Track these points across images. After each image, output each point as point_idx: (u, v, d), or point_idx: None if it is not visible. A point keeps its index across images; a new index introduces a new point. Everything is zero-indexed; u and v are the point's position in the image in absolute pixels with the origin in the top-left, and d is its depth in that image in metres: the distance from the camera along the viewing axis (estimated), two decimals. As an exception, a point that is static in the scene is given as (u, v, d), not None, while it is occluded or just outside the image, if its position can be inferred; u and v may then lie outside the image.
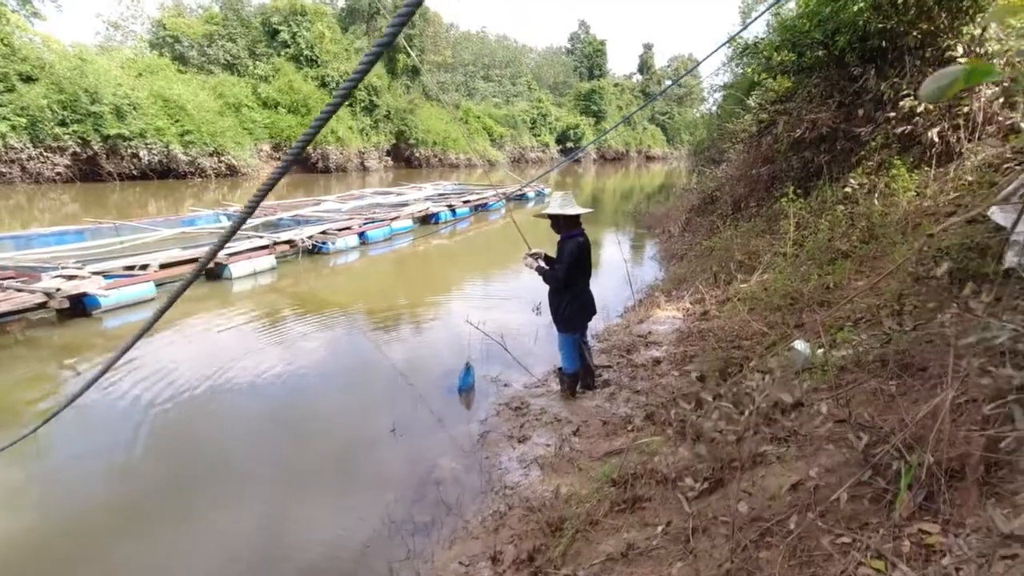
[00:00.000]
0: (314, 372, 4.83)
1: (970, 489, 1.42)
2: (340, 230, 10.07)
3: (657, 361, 4.35)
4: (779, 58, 6.64)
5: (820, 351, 2.75)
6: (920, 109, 4.85)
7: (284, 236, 9.04)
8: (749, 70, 8.15)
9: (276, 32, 28.19)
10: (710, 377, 3.08)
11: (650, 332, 5.05)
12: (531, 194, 18.12)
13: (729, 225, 7.29)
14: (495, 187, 15.51)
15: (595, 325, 4.92)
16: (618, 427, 3.38)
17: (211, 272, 7.69)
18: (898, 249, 3.83)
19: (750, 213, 7.38)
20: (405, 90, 33.90)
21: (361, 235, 10.34)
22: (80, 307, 6.06)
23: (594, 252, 4.04)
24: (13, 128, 16.80)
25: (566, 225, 3.74)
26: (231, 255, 7.84)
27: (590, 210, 4.05)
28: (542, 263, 3.84)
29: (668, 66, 64.65)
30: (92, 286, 6.07)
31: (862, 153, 5.52)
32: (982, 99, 4.65)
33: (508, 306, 6.49)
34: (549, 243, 4.00)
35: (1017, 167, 3.90)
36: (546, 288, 3.89)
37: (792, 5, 8.30)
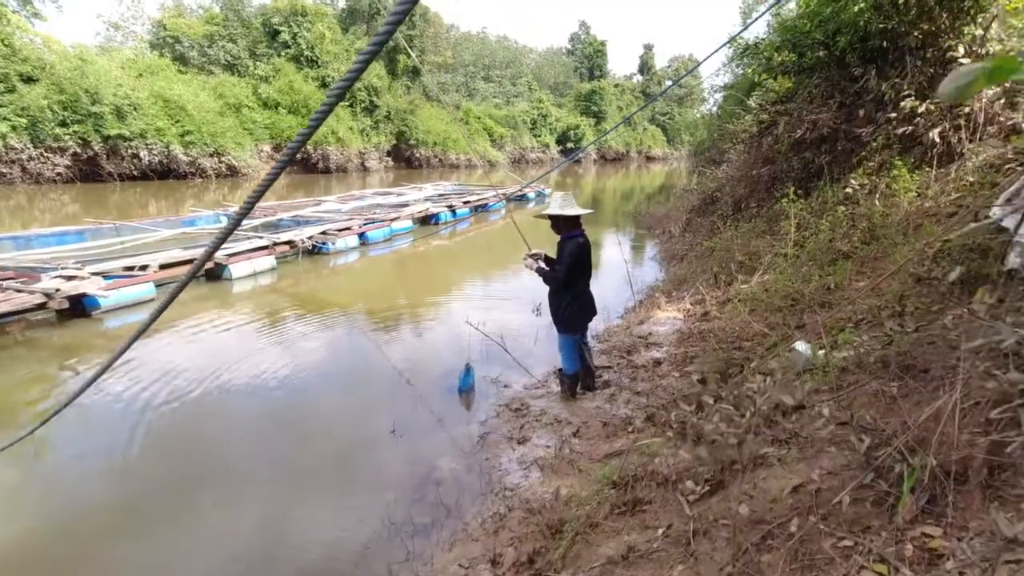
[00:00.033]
0: (314, 372, 4.82)
1: (973, 492, 1.41)
2: (340, 230, 10.07)
3: (658, 362, 4.34)
4: (780, 58, 6.63)
5: (821, 352, 2.74)
6: (921, 110, 4.84)
7: (284, 236, 9.04)
8: (749, 71, 8.14)
9: (277, 33, 28.22)
10: (711, 379, 3.07)
11: (650, 333, 5.04)
12: (531, 195, 18.12)
13: (729, 226, 7.28)
14: (495, 188, 15.50)
15: (595, 326, 4.91)
16: (618, 428, 3.37)
17: (211, 273, 7.69)
18: (899, 250, 3.82)
19: (751, 214, 7.37)
20: (406, 91, 33.92)
21: (361, 235, 10.33)
22: (80, 308, 6.06)
23: (594, 253, 4.03)
24: (14, 128, 16.82)
25: (566, 226, 3.73)
26: (231, 255, 7.83)
27: (590, 211, 4.04)
28: (542, 264, 3.83)
29: (668, 67, 64.68)
30: (92, 287, 6.07)
31: (863, 154, 5.50)
32: (983, 99, 4.64)
33: (508, 307, 6.48)
34: (549, 244, 3.99)
35: (1019, 168, 3.88)
36: (546, 289, 3.88)
37: (792, 5, 8.30)
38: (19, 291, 5.77)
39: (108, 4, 60.28)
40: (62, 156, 18.18)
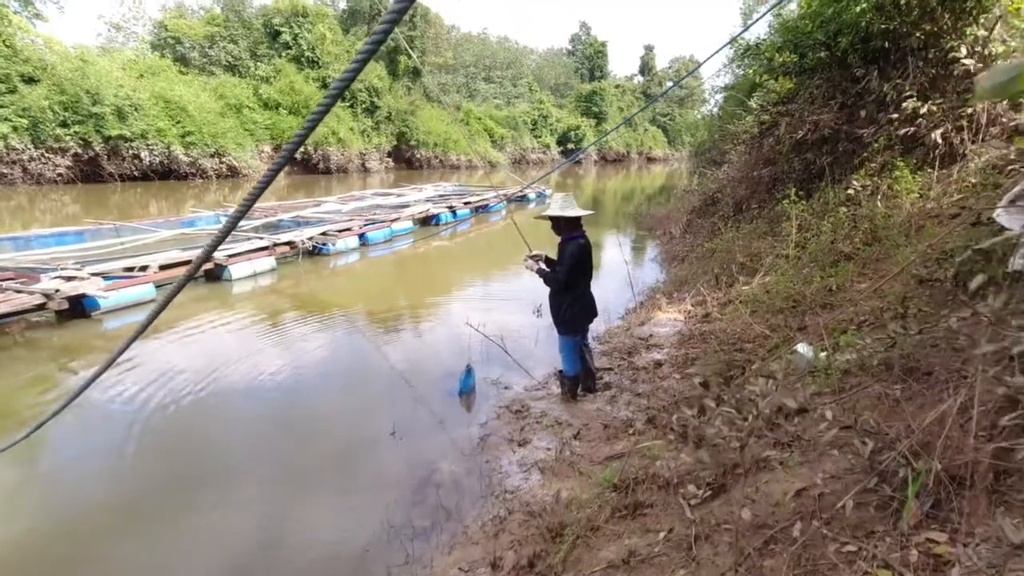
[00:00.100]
0: (314, 373, 4.81)
1: (979, 498, 1.39)
2: (340, 231, 10.06)
3: (658, 364, 4.32)
4: (781, 59, 6.62)
5: (823, 354, 2.72)
6: (923, 111, 4.83)
7: (284, 237, 9.04)
8: (751, 71, 8.13)
9: (277, 33, 28.25)
10: (713, 382, 3.05)
11: (651, 334, 5.03)
12: (532, 195, 18.11)
13: (730, 227, 7.26)
14: (496, 188, 15.50)
15: (596, 327, 4.89)
16: (619, 431, 3.35)
17: (211, 273, 7.68)
18: (901, 251, 3.80)
19: (752, 215, 7.35)
20: (406, 91, 33.95)
21: (361, 236, 10.33)
22: (79, 308, 6.05)
23: (595, 254, 4.02)
24: (15, 129, 16.84)
25: (567, 227, 3.72)
26: (231, 256, 7.83)
27: (591, 212, 4.03)
28: (543, 265, 3.82)
29: (669, 67, 64.68)
30: (91, 287, 6.06)
31: (864, 155, 5.49)
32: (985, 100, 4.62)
33: (508, 308, 6.46)
34: (550, 245, 3.98)
35: (1022, 169, 3.87)
36: (547, 290, 3.87)
37: (794, 6, 8.29)
38: (19, 292, 5.76)
39: (109, 5, 60.43)
40: (63, 157, 18.20)
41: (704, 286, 5.78)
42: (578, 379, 3.97)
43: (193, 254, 7.62)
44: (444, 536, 2.71)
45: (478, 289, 8.07)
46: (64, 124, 17.86)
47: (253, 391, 4.44)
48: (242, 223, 7.91)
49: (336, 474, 3.43)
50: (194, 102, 21.85)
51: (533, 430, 3.62)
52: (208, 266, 7.47)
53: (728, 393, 2.52)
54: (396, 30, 0.79)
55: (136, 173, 19.97)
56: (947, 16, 4.91)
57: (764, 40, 7.64)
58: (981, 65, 4.63)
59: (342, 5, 34.76)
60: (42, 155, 17.77)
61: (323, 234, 9.69)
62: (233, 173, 22.78)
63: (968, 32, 4.81)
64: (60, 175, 18.32)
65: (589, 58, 57.93)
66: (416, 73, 33.74)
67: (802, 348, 2.94)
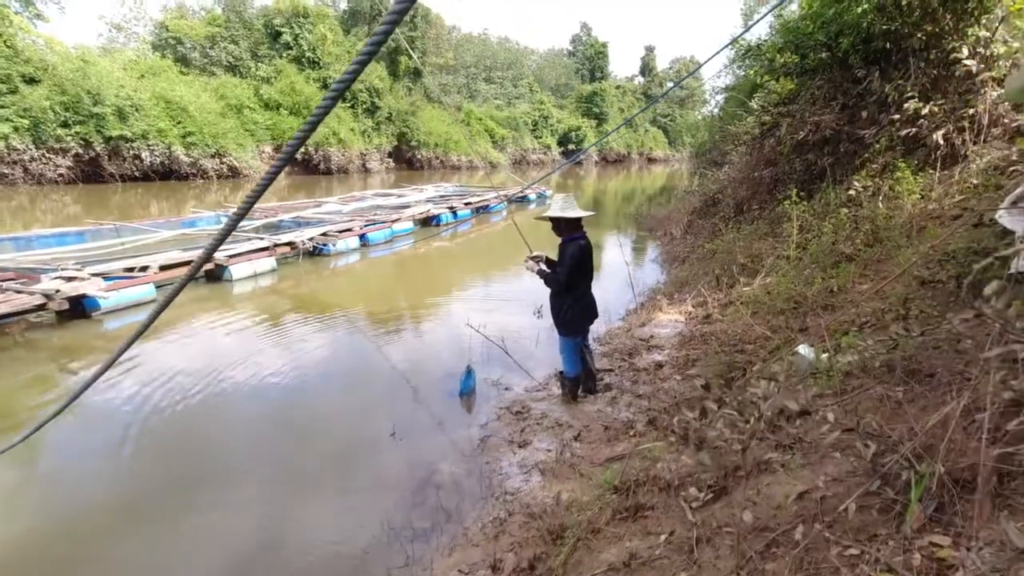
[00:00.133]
0: (314, 374, 4.81)
1: (983, 501, 1.38)
2: (341, 232, 10.06)
3: (659, 365, 4.31)
4: (782, 60, 6.61)
5: (825, 356, 2.72)
6: (925, 111, 4.82)
7: (285, 238, 9.03)
8: (751, 72, 8.12)
9: (278, 34, 28.28)
10: (714, 383, 3.04)
11: (652, 335, 5.02)
12: (532, 196, 18.10)
13: (731, 228, 7.25)
14: (496, 189, 15.48)
15: (597, 328, 4.88)
16: (620, 432, 3.35)
17: (211, 274, 7.68)
18: (903, 252, 3.80)
19: (752, 216, 7.34)
20: (407, 92, 33.97)
21: (362, 237, 10.33)
22: (80, 309, 6.05)
23: (596, 255, 4.01)
24: (16, 129, 16.85)
25: (567, 228, 3.71)
26: (231, 257, 7.83)
27: (591, 213, 4.02)
28: (543, 266, 3.81)
29: (670, 68, 64.69)
30: (91, 288, 6.06)
31: (866, 156, 5.48)
32: (987, 101, 4.62)
33: (509, 309, 6.45)
34: (550, 245, 3.97)
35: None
36: (547, 291, 3.86)
37: (795, 7, 8.29)
38: (19, 292, 5.76)
39: (110, 5, 60.50)
40: (64, 157, 18.22)
41: (705, 287, 5.77)
42: (579, 380, 3.96)
43: (194, 255, 7.62)
44: (444, 538, 2.71)
45: (479, 290, 8.06)
46: (65, 124, 17.88)
47: (253, 391, 4.44)
48: (243, 223, 7.91)
49: (336, 475, 3.42)
50: (195, 102, 21.87)
51: (533, 431, 3.61)
52: (209, 266, 7.47)
53: (729, 395, 2.51)
54: (397, 30, 0.79)
55: (137, 173, 19.99)
56: (948, 17, 4.91)
57: (765, 41, 7.63)
58: (983, 66, 4.62)
59: (343, 6, 34.80)
60: (43, 155, 17.79)
61: (324, 235, 9.69)
62: (234, 173, 22.80)
63: (970, 33, 4.80)
64: (61, 175, 18.34)
65: (590, 59, 57.95)
66: (417, 74, 33.76)
67: (803, 350, 2.93)
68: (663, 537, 1.95)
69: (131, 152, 19.50)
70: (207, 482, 3.34)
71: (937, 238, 3.49)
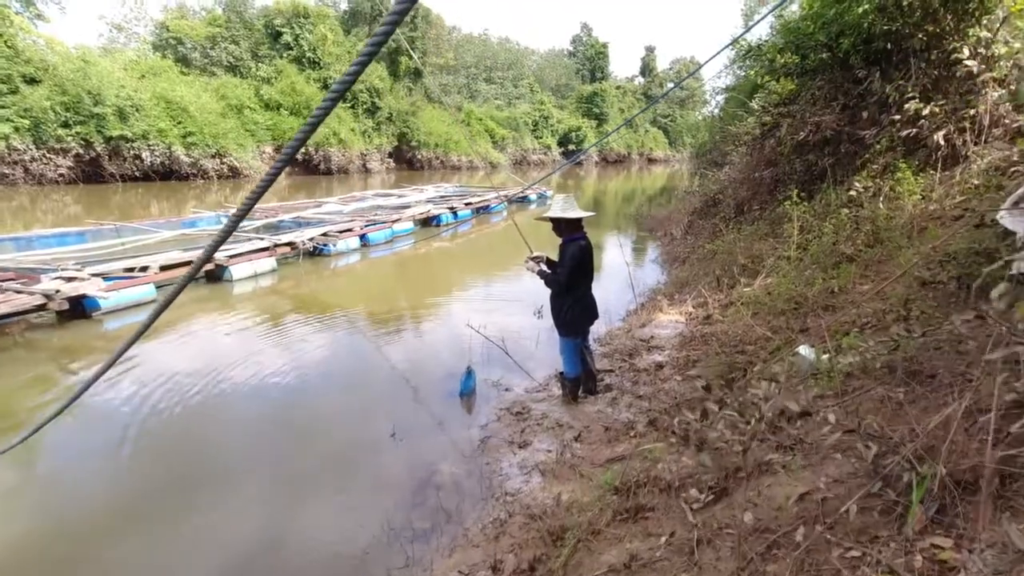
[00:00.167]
0: (314, 374, 4.80)
1: (985, 503, 1.38)
2: (341, 232, 10.06)
3: (660, 366, 4.31)
4: (782, 60, 6.61)
5: (825, 357, 2.71)
6: (925, 112, 4.82)
7: (285, 238, 9.03)
8: (752, 72, 8.11)
9: (279, 34, 28.29)
10: (715, 385, 3.04)
11: (652, 336, 5.01)
12: (533, 196, 18.10)
13: (732, 228, 7.25)
14: (497, 189, 15.48)
15: (597, 329, 4.88)
16: (620, 433, 3.34)
17: (212, 274, 7.68)
18: (904, 253, 3.79)
19: (753, 216, 7.34)
20: (407, 92, 33.98)
21: (362, 237, 10.33)
22: (80, 309, 6.05)
23: (596, 255, 4.01)
24: (16, 130, 16.86)
25: (568, 228, 3.71)
26: (231, 257, 7.83)
27: (592, 214, 4.02)
28: (544, 266, 3.80)
29: (670, 68, 64.68)
30: (92, 288, 6.06)
31: (867, 156, 5.47)
32: (989, 101, 4.61)
33: (509, 309, 6.45)
34: (551, 246, 3.97)
35: (1025, 170, 3.85)
36: (547, 291, 3.86)
37: (795, 7, 8.28)
38: (19, 292, 5.76)
39: (111, 6, 60.52)
40: (64, 157, 18.23)
41: (705, 288, 5.76)
42: (579, 381, 3.96)
43: (194, 255, 7.62)
44: (444, 539, 2.70)
45: (479, 290, 8.06)
46: (66, 124, 17.89)
47: (253, 391, 4.44)
48: (243, 224, 7.91)
49: (336, 475, 3.42)
50: (195, 103, 21.88)
51: (534, 432, 3.61)
52: (209, 267, 7.47)
53: (730, 396, 2.51)
54: (397, 31, 0.78)
55: (137, 174, 19.99)
56: (949, 17, 4.90)
57: (766, 41, 7.63)
58: (984, 67, 4.62)
59: (343, 6, 34.82)
60: (44, 155, 17.80)
61: (324, 235, 9.69)
62: (234, 174, 22.80)
63: (971, 33, 4.79)
64: (62, 175, 18.34)
65: (590, 59, 57.95)
66: (417, 74, 33.77)
67: (804, 350, 2.93)
68: (664, 538, 1.95)
69: (131, 152, 19.51)
70: (207, 482, 3.34)
71: (938, 239, 3.48)
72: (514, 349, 4.88)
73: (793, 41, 6.43)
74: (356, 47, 30.83)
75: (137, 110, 19.48)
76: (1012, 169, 4.05)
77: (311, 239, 9.28)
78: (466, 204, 14.81)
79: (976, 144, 4.66)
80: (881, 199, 4.88)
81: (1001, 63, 4.64)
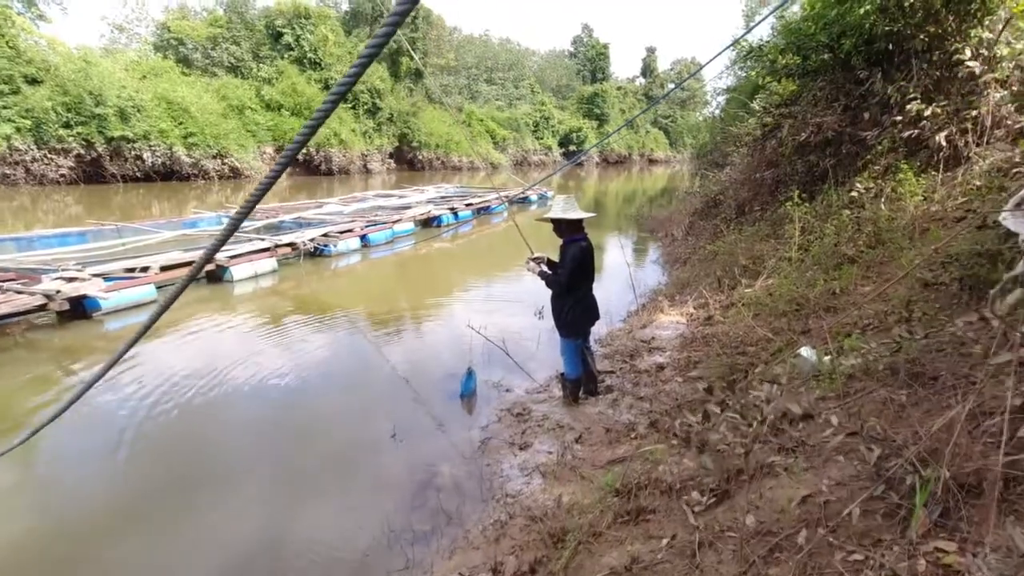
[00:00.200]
0: (315, 375, 4.80)
1: (988, 506, 1.37)
2: (342, 233, 10.06)
3: (661, 367, 4.30)
4: (784, 61, 6.60)
5: (827, 358, 2.70)
6: (927, 113, 4.81)
7: (286, 239, 9.03)
8: (753, 73, 8.11)
9: (280, 35, 28.31)
10: (716, 386, 3.03)
11: (653, 337, 5.00)
12: (534, 197, 18.10)
13: (733, 229, 7.24)
14: (497, 190, 15.47)
15: (598, 330, 4.87)
16: (621, 434, 3.33)
17: (212, 275, 7.68)
18: (906, 254, 3.78)
19: (754, 217, 7.33)
20: (408, 93, 33.99)
21: (363, 238, 10.32)
22: (80, 309, 6.05)
23: (597, 256, 4.00)
24: (18, 130, 16.88)
25: (568, 229, 3.70)
26: (232, 257, 7.83)
27: (593, 214, 4.01)
28: (544, 267, 3.80)
29: (671, 69, 64.67)
30: (92, 288, 6.06)
31: (868, 157, 5.47)
32: (991, 102, 4.60)
33: (510, 310, 6.44)
34: (552, 247, 3.96)
35: (1027, 172, 3.84)
36: (548, 292, 3.85)
37: (797, 8, 8.28)
38: (20, 292, 5.76)
39: (112, 6, 60.60)
40: (66, 157, 18.24)
41: (706, 289, 5.75)
42: (580, 382, 3.95)
43: (195, 255, 7.63)
44: (445, 540, 2.70)
45: (480, 291, 8.05)
46: (67, 125, 17.91)
47: (253, 392, 4.43)
48: (244, 224, 7.92)
49: (336, 476, 3.41)
50: (196, 103, 21.89)
51: (534, 433, 3.60)
52: (210, 267, 7.46)
53: (732, 398, 2.50)
54: (398, 32, 0.78)
55: (138, 174, 20.01)
56: (951, 18, 4.90)
57: (767, 42, 7.62)
58: (986, 67, 4.61)
59: (344, 7, 34.84)
60: (45, 156, 17.81)
61: (325, 235, 9.69)
62: (235, 174, 22.81)
63: (973, 34, 4.78)
64: (63, 176, 18.36)
65: (591, 60, 57.93)
66: (418, 74, 33.78)
67: (806, 352, 2.92)
68: (665, 541, 1.94)
69: (133, 153, 19.53)
70: (207, 483, 3.34)
71: (940, 240, 3.47)
72: (515, 350, 4.87)
73: (794, 42, 6.42)
74: (357, 48, 30.84)
75: (138, 111, 19.50)
76: (1014, 170, 4.04)
77: (312, 240, 9.28)
78: (467, 205, 14.81)
79: (978, 145, 4.65)
80: (883, 200, 4.87)
81: (1003, 64, 4.64)
